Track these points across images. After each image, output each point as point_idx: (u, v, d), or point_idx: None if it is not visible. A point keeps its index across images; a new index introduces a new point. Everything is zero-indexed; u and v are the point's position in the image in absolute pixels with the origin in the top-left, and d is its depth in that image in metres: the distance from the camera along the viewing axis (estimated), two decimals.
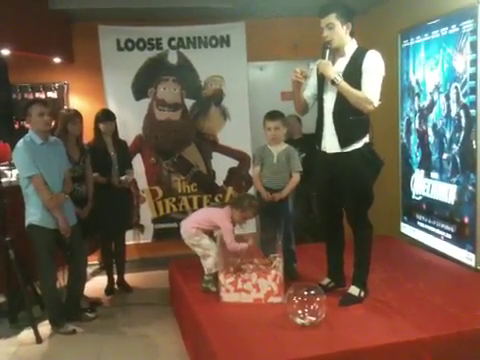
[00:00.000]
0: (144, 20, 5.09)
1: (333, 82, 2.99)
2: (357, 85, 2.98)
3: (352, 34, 3.08)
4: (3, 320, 3.84)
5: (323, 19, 3.02)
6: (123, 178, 4.34)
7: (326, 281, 3.37)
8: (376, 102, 2.99)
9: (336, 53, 3.10)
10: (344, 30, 3.02)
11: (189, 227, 3.56)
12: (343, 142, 3.06)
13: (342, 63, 3.07)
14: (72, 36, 5.21)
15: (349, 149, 3.05)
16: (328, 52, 3.04)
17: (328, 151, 3.13)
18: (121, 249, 4.60)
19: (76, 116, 4.08)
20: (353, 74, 3.00)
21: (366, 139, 3.09)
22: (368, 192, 3.13)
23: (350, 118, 3.02)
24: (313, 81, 3.28)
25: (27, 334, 3.66)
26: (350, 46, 3.07)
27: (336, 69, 3.04)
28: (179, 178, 5.29)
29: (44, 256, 3.57)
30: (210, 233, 3.57)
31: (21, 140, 3.54)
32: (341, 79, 2.98)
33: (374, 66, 2.99)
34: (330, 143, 3.11)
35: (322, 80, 3.13)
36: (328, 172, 3.17)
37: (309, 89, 3.31)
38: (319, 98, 3.20)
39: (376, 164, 3.13)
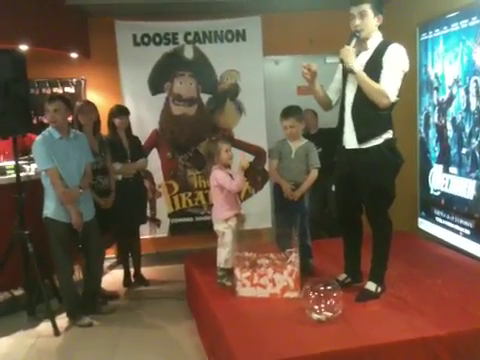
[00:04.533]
0: (160, 15, 5.10)
1: (351, 70, 2.94)
2: (377, 79, 2.91)
3: (379, 27, 3.02)
4: (22, 313, 3.90)
5: (356, 7, 2.94)
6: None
7: (342, 277, 3.34)
8: (393, 97, 2.92)
9: (361, 46, 3.03)
10: (375, 21, 2.96)
11: (218, 213, 3.56)
12: (361, 138, 3.00)
13: (365, 57, 3.00)
14: (89, 31, 5.25)
15: (367, 145, 3.00)
16: (355, 41, 2.97)
17: (347, 147, 3.09)
18: (136, 243, 4.64)
19: (85, 106, 4.11)
20: (374, 68, 2.93)
21: (388, 135, 3.01)
22: (387, 190, 3.07)
23: (369, 113, 2.96)
24: (338, 76, 3.23)
25: (45, 326, 3.71)
26: (374, 39, 3.00)
27: (358, 62, 2.98)
28: (195, 173, 5.30)
29: (58, 249, 3.62)
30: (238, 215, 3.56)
31: (40, 134, 3.62)
32: (360, 69, 2.92)
33: (395, 59, 2.91)
34: (349, 138, 3.07)
35: (346, 73, 3.07)
36: (347, 167, 3.13)
37: (334, 83, 3.26)
38: (342, 92, 3.15)
39: (395, 162, 3.05)
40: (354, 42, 2.97)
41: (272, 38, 5.24)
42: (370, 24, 2.95)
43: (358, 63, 2.97)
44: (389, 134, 3.02)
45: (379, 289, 3.14)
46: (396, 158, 3.05)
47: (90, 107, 4.11)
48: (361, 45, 3.02)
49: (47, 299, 3.72)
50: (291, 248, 3.31)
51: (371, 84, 2.91)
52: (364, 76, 2.92)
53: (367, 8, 2.92)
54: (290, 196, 3.60)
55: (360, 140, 3.01)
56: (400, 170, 3.09)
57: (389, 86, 2.90)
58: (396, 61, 2.92)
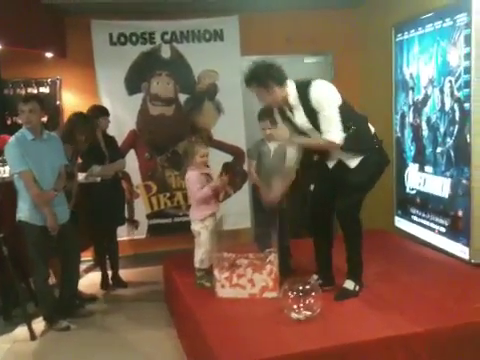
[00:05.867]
0: (137, 14, 5.05)
1: (293, 145, 2.97)
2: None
3: (283, 81, 2.96)
4: None
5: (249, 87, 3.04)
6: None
7: (314, 278, 3.27)
8: (339, 138, 2.91)
9: (288, 108, 3.03)
10: (276, 91, 2.93)
11: (195, 213, 3.56)
12: (350, 162, 3.05)
13: (299, 113, 2.99)
14: (65, 31, 5.17)
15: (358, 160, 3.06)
16: (275, 111, 3.03)
17: (334, 167, 3.13)
18: (114, 245, 4.60)
19: (88, 133, 4.01)
20: (312, 112, 2.92)
21: (375, 141, 3.10)
22: (365, 186, 3.13)
23: (349, 145, 2.96)
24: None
25: (21, 331, 3.64)
26: (290, 92, 2.96)
27: (299, 121, 2.99)
28: (173, 173, 5.27)
29: (33, 252, 3.56)
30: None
31: (13, 136, 3.54)
32: (296, 138, 2.95)
33: (321, 100, 2.90)
34: (335, 162, 3.10)
35: (298, 130, 3.07)
36: (331, 175, 3.16)
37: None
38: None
39: (382, 162, 3.16)
40: (276, 113, 3.04)
41: (250, 38, 5.24)
42: (273, 96, 2.94)
43: (300, 122, 2.98)
44: (376, 138, 3.11)
45: (357, 287, 3.16)
46: (383, 158, 3.16)
47: (92, 132, 4.06)
48: (289, 108, 3.02)
49: (23, 303, 3.65)
50: (270, 248, 3.31)
51: (313, 143, 2.94)
52: (303, 141, 2.94)
53: (255, 87, 3.00)
54: (269, 203, 3.56)
55: (350, 163, 3.05)
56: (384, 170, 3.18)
57: (331, 130, 2.90)
58: (324, 101, 2.90)
